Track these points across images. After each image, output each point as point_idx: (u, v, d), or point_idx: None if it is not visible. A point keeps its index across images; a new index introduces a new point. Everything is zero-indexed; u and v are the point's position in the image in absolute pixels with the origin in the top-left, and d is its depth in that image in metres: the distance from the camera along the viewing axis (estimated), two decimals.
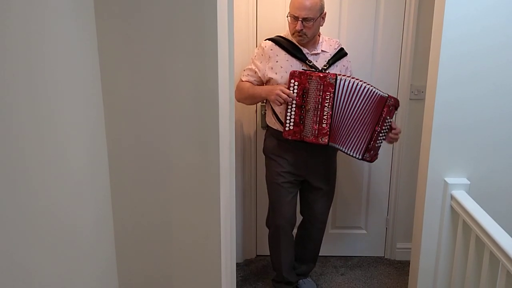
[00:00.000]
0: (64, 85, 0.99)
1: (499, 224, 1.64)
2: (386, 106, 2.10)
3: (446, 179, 1.95)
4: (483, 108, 1.90)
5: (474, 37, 1.82)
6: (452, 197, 1.92)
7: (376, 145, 2.17)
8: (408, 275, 2.30)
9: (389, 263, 2.88)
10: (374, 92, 2.10)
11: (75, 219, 1.05)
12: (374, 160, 2.22)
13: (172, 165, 1.22)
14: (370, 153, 2.16)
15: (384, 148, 2.72)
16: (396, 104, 2.14)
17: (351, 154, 2.17)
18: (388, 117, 2.13)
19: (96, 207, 1.18)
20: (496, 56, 1.84)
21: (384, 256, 2.94)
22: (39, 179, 0.89)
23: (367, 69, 2.60)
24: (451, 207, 1.94)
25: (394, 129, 2.18)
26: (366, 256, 2.94)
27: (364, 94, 2.09)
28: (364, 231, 2.91)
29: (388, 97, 2.11)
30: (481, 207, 1.78)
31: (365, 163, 2.77)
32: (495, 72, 1.86)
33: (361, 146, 2.15)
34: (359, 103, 2.10)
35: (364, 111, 2.11)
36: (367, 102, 2.10)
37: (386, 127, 2.15)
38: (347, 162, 2.77)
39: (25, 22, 0.83)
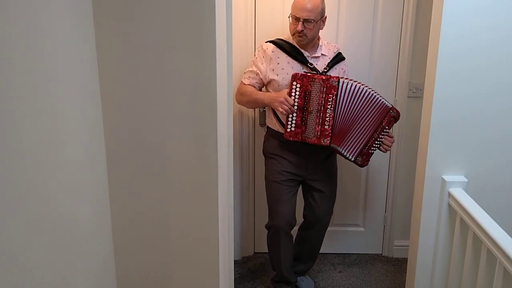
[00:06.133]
0: (62, 82, 0.98)
1: (496, 221, 1.64)
2: (388, 116, 2.14)
3: (443, 176, 1.96)
4: (482, 105, 1.90)
5: (472, 34, 1.82)
6: (449, 195, 1.93)
7: (370, 151, 2.19)
8: (405, 273, 2.31)
9: (386, 260, 2.89)
10: (378, 99, 2.12)
11: (73, 215, 1.05)
12: (365, 166, 2.24)
13: (170, 161, 1.22)
14: (362, 158, 2.20)
15: None
16: (397, 117, 2.16)
17: (345, 154, 2.19)
18: (387, 127, 2.16)
19: (94, 203, 1.18)
20: (495, 53, 1.84)
21: (381, 253, 2.95)
22: (37, 175, 0.89)
23: (365, 67, 2.60)
24: (449, 204, 1.94)
25: (391, 137, 2.19)
26: (363, 253, 2.94)
27: (366, 98, 2.11)
28: (362, 229, 2.92)
29: (391, 107, 2.14)
30: (479, 204, 1.78)
31: None
32: (494, 69, 1.86)
33: (356, 149, 2.18)
34: (360, 106, 2.12)
35: (366, 116, 2.14)
36: (369, 107, 2.13)
37: (382, 136, 2.18)
38: (345, 160, 2.77)
39: (24, 20, 0.83)
